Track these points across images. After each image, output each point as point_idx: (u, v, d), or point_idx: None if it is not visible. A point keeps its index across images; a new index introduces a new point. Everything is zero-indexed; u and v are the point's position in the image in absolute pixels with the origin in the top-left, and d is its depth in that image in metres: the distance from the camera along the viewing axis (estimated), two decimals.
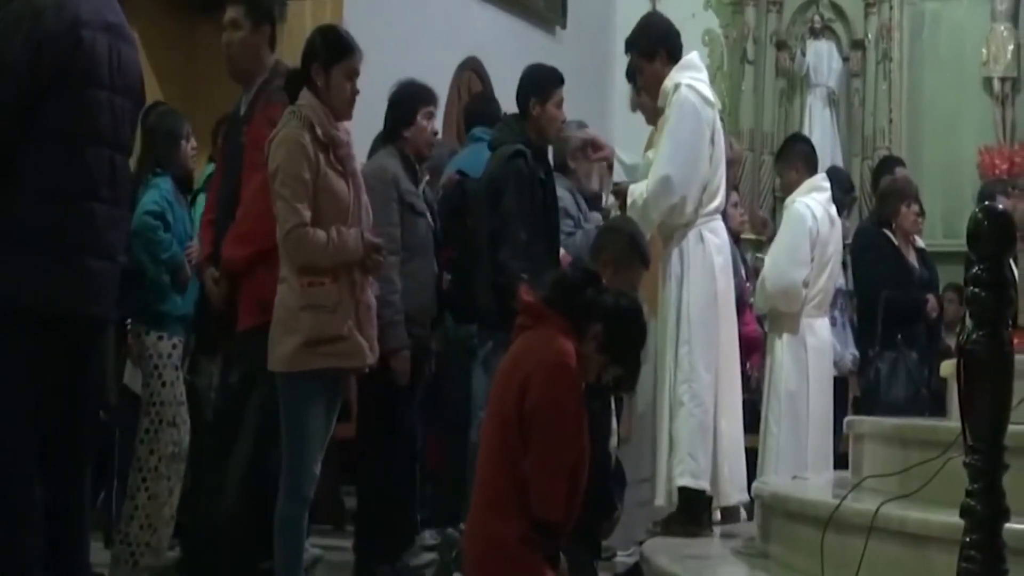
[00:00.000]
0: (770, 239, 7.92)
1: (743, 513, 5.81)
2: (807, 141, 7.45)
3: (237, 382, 4.76)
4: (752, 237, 9.43)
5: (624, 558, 5.86)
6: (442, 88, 8.09)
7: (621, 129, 10.24)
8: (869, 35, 11.25)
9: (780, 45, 11.39)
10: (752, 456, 6.20)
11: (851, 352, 7.66)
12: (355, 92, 4.63)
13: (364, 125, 5.48)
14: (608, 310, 4.10)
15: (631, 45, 5.97)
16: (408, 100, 5.75)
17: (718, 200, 5.78)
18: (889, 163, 9.11)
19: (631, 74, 6.27)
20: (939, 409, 5.95)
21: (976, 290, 2.76)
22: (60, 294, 3.82)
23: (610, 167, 5.93)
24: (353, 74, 4.61)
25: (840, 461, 5.99)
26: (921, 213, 7.79)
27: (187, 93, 7.30)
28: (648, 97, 5.94)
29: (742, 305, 6.60)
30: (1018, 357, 2.81)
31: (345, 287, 4.47)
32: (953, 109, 11.19)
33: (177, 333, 5.71)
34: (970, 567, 2.74)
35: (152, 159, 5.81)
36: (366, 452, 5.78)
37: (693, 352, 5.55)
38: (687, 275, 5.62)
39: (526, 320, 4.11)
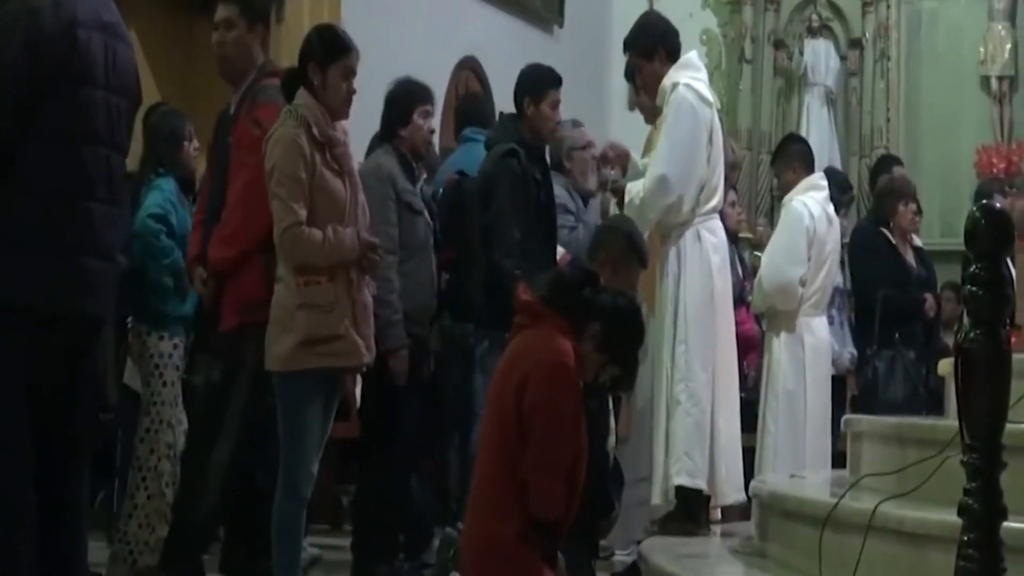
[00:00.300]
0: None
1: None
2: (804, 141, 7.46)
3: (219, 381, 4.76)
4: (750, 236, 9.44)
5: (622, 557, 5.86)
6: (440, 87, 8.09)
7: (618, 128, 10.24)
8: (867, 34, 11.25)
9: (778, 44, 11.39)
10: (750, 455, 6.20)
11: (849, 351, 7.66)
12: (352, 91, 4.63)
13: (361, 125, 5.48)
14: (606, 309, 4.10)
15: (630, 44, 5.97)
16: (404, 98, 5.75)
17: (716, 199, 5.78)
18: (887, 162, 9.11)
19: (630, 73, 6.27)
20: (937, 408, 5.95)
21: (974, 289, 2.76)
22: (58, 293, 3.81)
23: (624, 170, 5.93)
24: (350, 73, 4.61)
25: (838, 460, 5.99)
26: (919, 212, 7.79)
27: (187, 93, 7.30)
28: (647, 96, 5.94)
29: (739, 304, 6.60)
30: (1016, 356, 2.81)
31: (341, 286, 4.47)
32: (951, 108, 11.19)
33: (178, 333, 5.71)
34: (968, 566, 2.74)
35: (155, 160, 5.80)
36: (365, 451, 5.78)
37: (690, 351, 5.55)
38: (684, 274, 5.62)
39: (524, 319, 4.11)
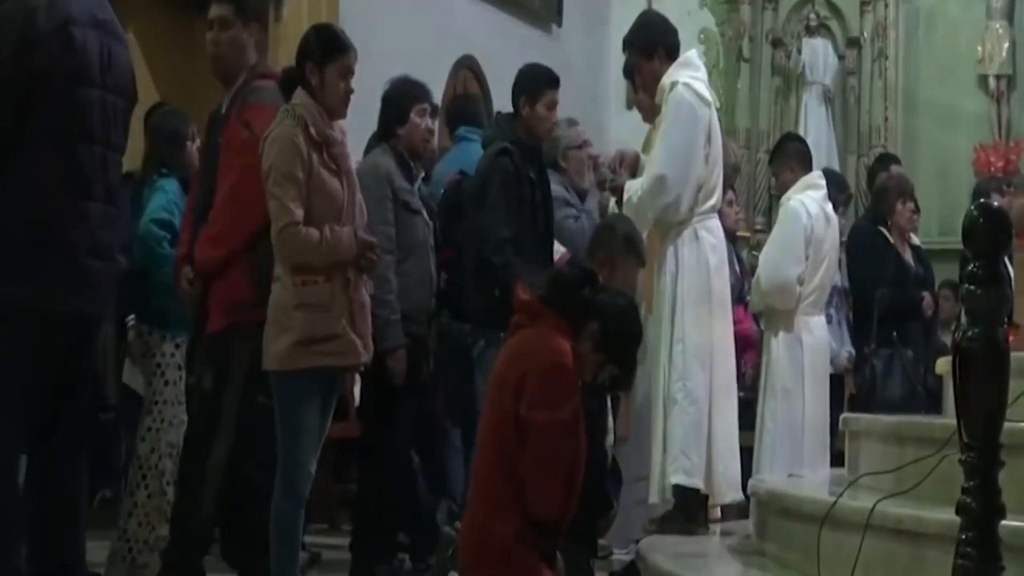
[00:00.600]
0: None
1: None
2: (801, 140, 7.45)
3: (211, 384, 4.76)
4: (748, 235, 9.44)
5: (621, 556, 5.85)
6: (438, 86, 8.09)
7: (616, 128, 10.24)
8: (865, 33, 11.25)
9: (776, 43, 11.38)
10: (748, 454, 6.20)
11: (847, 350, 7.66)
12: (350, 91, 4.62)
13: (359, 124, 5.48)
14: (604, 309, 4.10)
15: (629, 43, 5.97)
16: (401, 98, 5.75)
17: (714, 199, 5.78)
18: (885, 160, 9.11)
19: (629, 71, 6.27)
20: (935, 407, 5.94)
21: (972, 287, 2.77)
22: (55, 293, 3.81)
23: (633, 172, 5.92)
24: (348, 72, 4.61)
25: (836, 459, 5.99)
26: (917, 210, 7.79)
27: (186, 93, 7.29)
28: (646, 95, 5.94)
29: (737, 303, 6.60)
30: (1014, 354, 2.81)
31: (339, 286, 4.47)
32: (948, 107, 11.19)
33: (180, 333, 5.71)
34: (966, 564, 2.74)
35: (157, 160, 5.80)
36: (364, 451, 5.78)
37: (687, 350, 5.55)
38: (682, 273, 5.62)
39: (522, 319, 4.11)
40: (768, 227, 8.81)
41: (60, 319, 3.83)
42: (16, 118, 3.74)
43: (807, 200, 6.58)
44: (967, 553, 2.74)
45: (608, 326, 4.07)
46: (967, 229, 2.79)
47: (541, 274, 4.65)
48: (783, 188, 6.88)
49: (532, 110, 5.71)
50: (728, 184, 7.05)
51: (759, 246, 7.83)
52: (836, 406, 6.85)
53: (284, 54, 5.30)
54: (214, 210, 4.80)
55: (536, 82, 5.77)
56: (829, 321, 7.13)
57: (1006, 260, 2.82)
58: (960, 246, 2.82)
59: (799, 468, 5.95)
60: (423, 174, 5.95)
